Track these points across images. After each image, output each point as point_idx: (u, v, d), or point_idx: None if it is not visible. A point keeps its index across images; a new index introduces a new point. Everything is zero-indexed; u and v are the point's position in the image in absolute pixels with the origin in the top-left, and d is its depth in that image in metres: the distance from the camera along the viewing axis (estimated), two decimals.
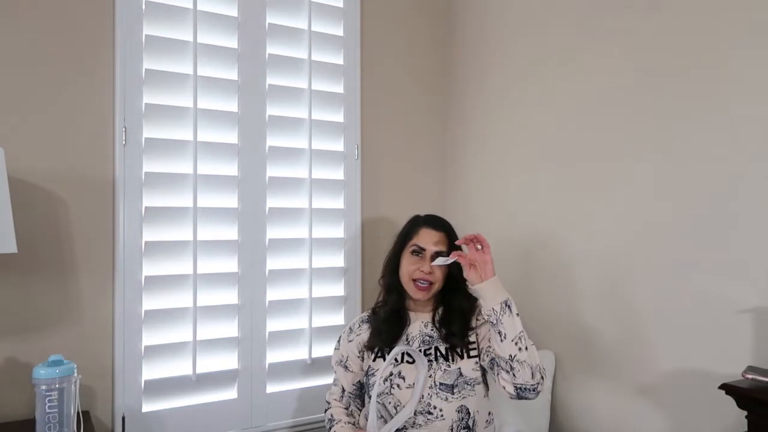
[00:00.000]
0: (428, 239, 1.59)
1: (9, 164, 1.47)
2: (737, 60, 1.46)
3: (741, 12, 1.45)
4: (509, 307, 1.41)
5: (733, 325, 1.45)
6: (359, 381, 1.66)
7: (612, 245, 1.76)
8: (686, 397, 1.55)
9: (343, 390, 1.65)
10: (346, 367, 1.65)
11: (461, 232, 1.89)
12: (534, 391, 1.40)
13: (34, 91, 1.65)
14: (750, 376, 1.26)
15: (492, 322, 1.41)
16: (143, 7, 1.79)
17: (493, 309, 1.41)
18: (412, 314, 1.63)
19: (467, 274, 1.46)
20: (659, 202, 1.63)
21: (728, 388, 1.27)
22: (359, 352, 1.64)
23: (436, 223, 1.64)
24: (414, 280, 1.57)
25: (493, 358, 1.46)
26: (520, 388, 1.40)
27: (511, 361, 1.38)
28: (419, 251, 1.59)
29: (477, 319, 1.60)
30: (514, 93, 2.13)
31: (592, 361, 1.81)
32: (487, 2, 2.27)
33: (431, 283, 1.57)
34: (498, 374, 1.44)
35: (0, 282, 1.59)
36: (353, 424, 1.60)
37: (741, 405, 1.26)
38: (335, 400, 1.65)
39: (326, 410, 1.65)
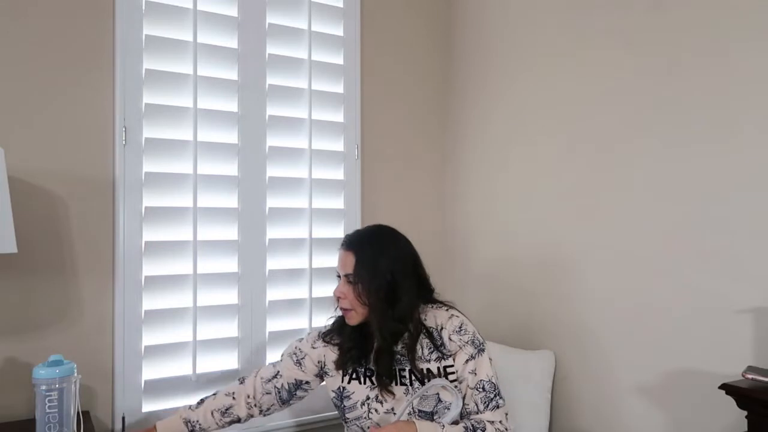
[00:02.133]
0: (338, 263, 1.49)
1: (9, 164, 1.47)
2: (737, 59, 1.46)
3: (741, 10, 1.45)
4: None
5: (733, 325, 1.45)
6: (303, 380, 1.56)
7: (612, 245, 1.76)
8: (686, 397, 1.55)
9: (278, 375, 1.55)
10: (299, 363, 1.56)
11: (462, 231, 1.90)
12: None
13: (34, 91, 1.65)
14: (750, 376, 1.26)
15: None
16: (143, 7, 1.79)
17: None
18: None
19: None
20: (659, 202, 1.63)
21: (728, 388, 1.27)
22: (317, 363, 1.56)
23: (345, 241, 1.51)
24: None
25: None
26: None
27: None
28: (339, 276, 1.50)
29: (451, 340, 1.46)
30: (515, 92, 2.13)
31: (592, 361, 1.81)
32: (486, 2, 2.27)
33: (349, 309, 1.46)
34: None
35: (0, 282, 1.59)
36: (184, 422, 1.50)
37: (741, 405, 1.26)
38: (256, 377, 1.56)
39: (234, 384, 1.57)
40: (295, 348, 1.59)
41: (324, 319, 2.05)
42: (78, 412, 1.43)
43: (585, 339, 1.84)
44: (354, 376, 1.52)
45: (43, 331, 1.65)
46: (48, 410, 1.36)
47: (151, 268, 1.79)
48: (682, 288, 1.57)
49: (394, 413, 1.45)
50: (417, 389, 1.44)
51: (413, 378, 1.46)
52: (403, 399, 1.45)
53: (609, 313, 1.77)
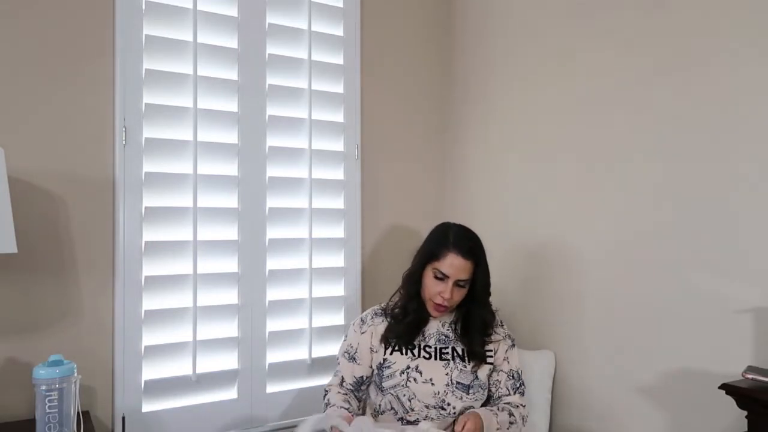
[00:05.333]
0: (452, 268, 1.55)
1: (9, 164, 1.47)
2: (738, 59, 1.46)
3: (742, 11, 1.45)
4: None
5: (733, 325, 1.45)
6: (362, 376, 1.65)
7: (612, 245, 1.76)
8: (686, 397, 1.55)
9: (343, 380, 1.65)
10: (353, 359, 1.65)
11: None
12: None
13: (34, 91, 1.65)
14: (750, 376, 1.26)
15: None
16: (143, 7, 1.79)
17: None
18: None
19: None
20: (659, 202, 1.63)
21: (728, 388, 1.27)
22: (369, 349, 1.64)
23: (465, 248, 1.56)
24: (435, 302, 1.58)
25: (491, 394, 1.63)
26: None
27: None
28: (443, 278, 1.56)
29: (495, 332, 1.66)
30: (515, 93, 2.13)
31: (592, 361, 1.81)
32: (487, 2, 2.27)
33: (449, 306, 1.59)
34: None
35: (0, 282, 1.59)
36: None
37: (741, 405, 1.26)
38: (334, 386, 1.66)
39: (325, 396, 1.65)
40: (348, 347, 1.67)
41: (324, 319, 2.08)
42: (78, 412, 1.43)
43: (585, 339, 1.84)
44: (396, 347, 1.62)
45: (43, 331, 1.65)
46: (48, 410, 1.36)
47: (151, 268, 1.79)
48: (682, 288, 1.57)
49: (432, 383, 1.56)
50: (458, 364, 1.59)
51: (455, 355, 1.61)
52: (441, 372, 1.58)
53: (609, 313, 1.77)
